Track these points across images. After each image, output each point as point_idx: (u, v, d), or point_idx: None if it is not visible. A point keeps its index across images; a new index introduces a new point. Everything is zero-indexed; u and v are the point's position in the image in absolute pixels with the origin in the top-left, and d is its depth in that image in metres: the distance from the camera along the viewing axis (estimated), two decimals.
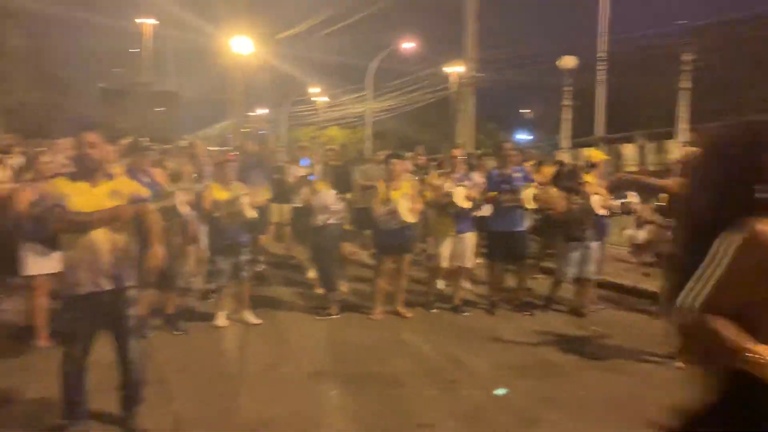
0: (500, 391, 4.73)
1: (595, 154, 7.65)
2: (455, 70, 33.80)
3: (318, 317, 6.73)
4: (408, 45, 35.28)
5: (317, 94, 53.58)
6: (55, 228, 3.84)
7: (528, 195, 6.82)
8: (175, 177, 6.80)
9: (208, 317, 6.59)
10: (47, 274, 5.53)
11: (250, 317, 6.51)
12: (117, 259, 3.80)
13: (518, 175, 7.13)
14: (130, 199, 3.90)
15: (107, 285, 3.76)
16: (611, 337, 6.38)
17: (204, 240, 7.21)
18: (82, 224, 3.70)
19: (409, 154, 14.33)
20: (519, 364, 5.52)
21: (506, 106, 51.94)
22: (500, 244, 7.10)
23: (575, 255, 7.00)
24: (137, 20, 41.16)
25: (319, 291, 7.65)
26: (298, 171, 9.84)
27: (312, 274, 8.77)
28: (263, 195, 7.38)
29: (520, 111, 61.25)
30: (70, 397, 3.86)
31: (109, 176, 3.95)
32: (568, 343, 6.10)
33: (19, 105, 44.43)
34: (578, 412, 4.50)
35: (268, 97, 60.35)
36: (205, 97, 44.97)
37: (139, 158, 6.09)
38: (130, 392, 4.01)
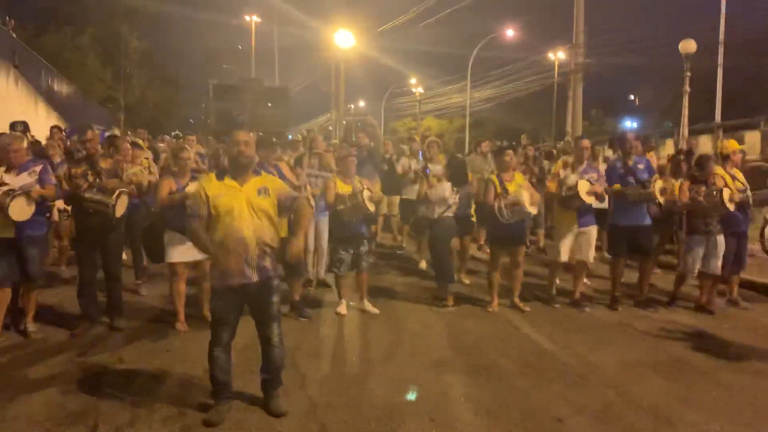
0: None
1: (731, 144, 7.18)
2: (560, 56, 32.84)
3: (435, 308, 6.79)
4: (509, 32, 34.42)
5: (415, 85, 53.60)
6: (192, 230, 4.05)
7: (656, 188, 6.53)
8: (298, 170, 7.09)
9: (329, 305, 6.83)
10: (187, 262, 5.93)
11: (369, 306, 6.67)
12: (263, 251, 4.01)
13: (641, 166, 6.84)
14: (279, 194, 4.10)
15: (254, 276, 3.98)
16: (745, 336, 6.02)
17: (323, 231, 7.49)
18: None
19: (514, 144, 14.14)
20: (649, 361, 5.32)
21: (612, 91, 49.72)
22: (625, 239, 6.86)
23: (700, 249, 6.67)
24: (245, 17, 42.92)
25: (433, 282, 7.72)
26: (405, 163, 9.96)
27: (424, 264, 8.88)
28: (377, 188, 7.52)
29: (628, 97, 58.35)
30: (218, 378, 4.11)
31: (257, 172, 4.17)
32: (699, 342, 5.82)
33: (137, 101, 47.67)
34: (720, 414, 4.28)
35: (367, 89, 61.14)
36: (307, 90, 46.29)
37: (266, 153, 6.35)
38: (272, 375, 4.22)
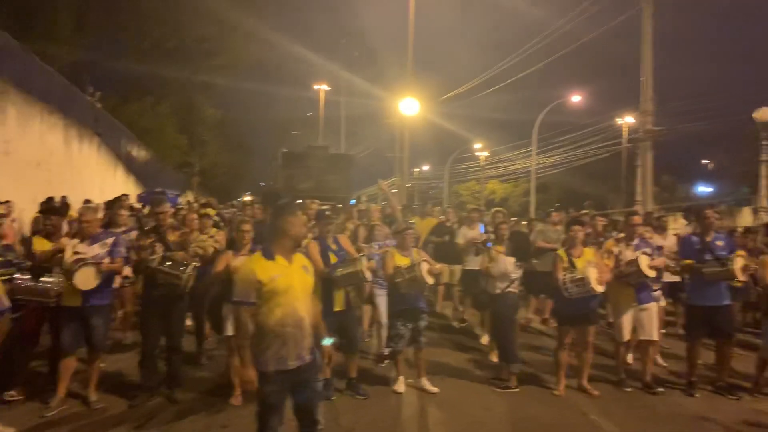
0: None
1: None
2: (627, 121, 32.37)
3: (496, 389, 6.49)
4: (575, 98, 34.29)
5: (480, 149, 53.84)
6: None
7: (737, 266, 6.13)
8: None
9: (385, 381, 6.65)
10: None
11: (428, 385, 6.44)
12: (313, 330, 3.95)
13: (720, 243, 6.47)
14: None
15: (308, 356, 3.90)
16: None
17: (381, 304, 7.38)
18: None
19: (582, 212, 13.78)
20: None
21: (684, 156, 48.32)
22: (702, 320, 6.44)
23: None
24: (315, 87, 44.68)
25: (495, 359, 7.44)
26: (468, 233, 9.81)
27: (485, 340, 8.58)
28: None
29: (701, 162, 56.53)
30: None
31: (299, 248, 4.17)
32: None
33: (210, 166, 49.86)
34: None
35: (431, 153, 61.86)
36: (372, 155, 47.23)
37: (325, 225, 6.38)
38: None
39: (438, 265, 6.84)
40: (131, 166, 26.66)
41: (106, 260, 5.67)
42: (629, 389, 6.55)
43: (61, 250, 5.53)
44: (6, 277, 4.74)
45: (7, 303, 3.68)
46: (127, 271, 7.28)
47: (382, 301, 7.24)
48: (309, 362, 3.92)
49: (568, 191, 47.20)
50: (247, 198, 34.53)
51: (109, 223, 8.51)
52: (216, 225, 8.86)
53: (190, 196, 34.96)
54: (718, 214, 7.02)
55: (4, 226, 5.42)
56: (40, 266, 5.16)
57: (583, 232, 6.85)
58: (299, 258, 4.08)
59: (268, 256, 3.91)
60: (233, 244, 6.15)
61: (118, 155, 24.44)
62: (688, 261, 6.52)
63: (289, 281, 3.87)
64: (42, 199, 12.42)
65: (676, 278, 7.79)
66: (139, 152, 29.99)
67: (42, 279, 4.94)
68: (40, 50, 17.78)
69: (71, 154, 18.46)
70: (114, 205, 10.31)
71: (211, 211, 9.82)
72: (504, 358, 6.67)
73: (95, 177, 21.10)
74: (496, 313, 6.78)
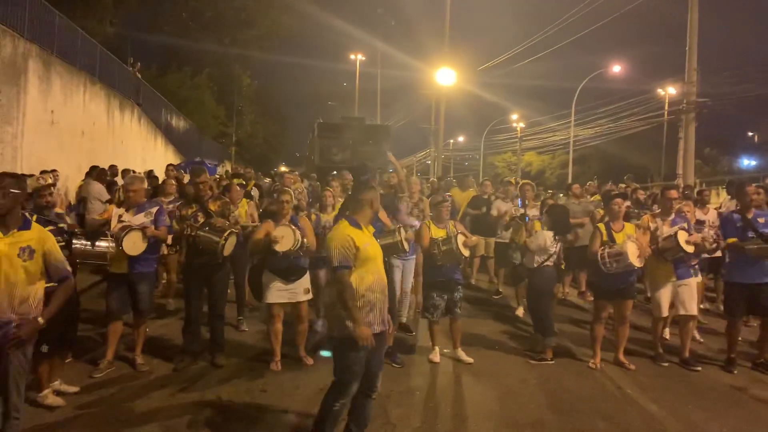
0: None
1: None
2: (670, 92, 31.48)
3: (532, 361, 6.52)
4: (616, 68, 33.41)
5: (516, 120, 53.12)
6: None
7: None
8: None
9: (421, 351, 6.74)
10: (283, 303, 6.08)
11: (463, 355, 6.51)
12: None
13: (762, 220, 6.32)
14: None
15: (386, 324, 4.11)
16: None
17: (408, 275, 7.44)
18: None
19: (621, 186, 13.55)
20: None
21: (728, 128, 46.89)
22: (743, 298, 6.35)
23: None
24: (351, 56, 44.50)
25: (530, 331, 7.47)
26: (502, 206, 9.76)
27: (520, 311, 8.61)
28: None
29: (746, 133, 54.80)
30: (330, 428, 4.11)
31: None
32: None
33: (247, 137, 50.36)
34: None
35: (467, 124, 61.30)
36: (407, 126, 47.02)
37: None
38: (363, 430, 4.21)
39: (473, 238, 6.85)
40: (170, 136, 27.12)
41: (151, 228, 5.85)
42: (666, 364, 6.52)
43: (109, 221, 5.73)
44: (63, 243, 4.93)
45: (68, 269, 3.86)
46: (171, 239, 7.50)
47: (397, 271, 7.21)
48: (385, 329, 4.13)
49: (608, 163, 46.34)
50: (283, 168, 34.88)
51: (155, 193, 8.76)
52: (247, 195, 9.01)
53: (228, 166, 35.44)
54: (761, 190, 6.85)
55: (54, 194, 5.60)
56: (94, 231, 5.35)
57: (625, 205, 6.77)
58: (371, 230, 4.25)
59: (355, 225, 4.06)
60: (272, 215, 6.27)
61: (158, 125, 24.87)
62: (731, 240, 6.40)
63: (375, 249, 4.08)
64: (86, 167, 12.78)
65: (717, 254, 7.65)
66: (178, 122, 30.44)
67: (97, 243, 5.14)
68: (83, 24, 18.08)
69: (113, 124, 18.87)
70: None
71: (236, 181, 9.95)
72: (540, 331, 6.68)
73: (137, 146, 21.55)
74: (532, 286, 6.78)
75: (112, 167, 13.71)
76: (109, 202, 10.18)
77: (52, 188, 5.51)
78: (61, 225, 5.25)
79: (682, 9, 18.10)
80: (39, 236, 3.73)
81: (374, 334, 3.97)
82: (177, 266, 8.51)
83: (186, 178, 11.70)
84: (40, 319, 3.64)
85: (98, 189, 11.11)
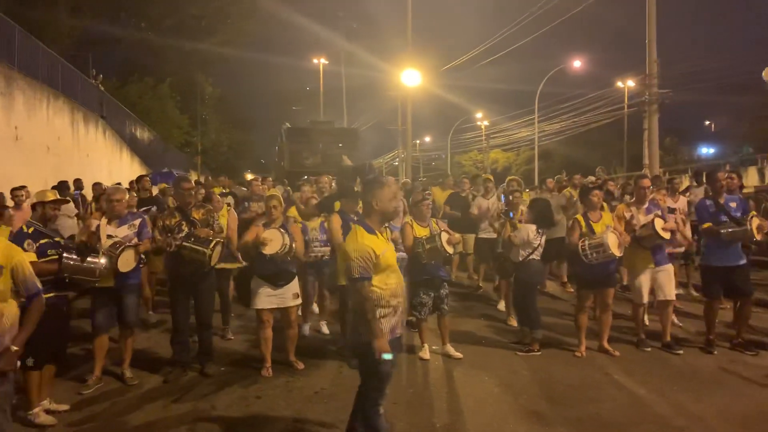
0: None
1: None
2: (630, 85, 32.16)
3: (520, 353, 6.63)
4: (576, 63, 34.06)
5: (481, 119, 53.64)
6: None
7: (753, 225, 6.23)
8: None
9: (410, 349, 6.79)
10: (273, 309, 6.07)
11: (452, 351, 6.59)
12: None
13: (734, 204, 6.55)
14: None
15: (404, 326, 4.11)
16: None
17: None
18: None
19: (591, 178, 13.82)
20: (754, 412, 5.01)
21: (686, 118, 48.13)
22: (719, 280, 6.56)
23: None
24: (314, 60, 44.36)
25: (513, 323, 7.60)
26: (482, 203, 9.90)
27: (501, 306, 8.73)
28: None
29: (703, 123, 56.30)
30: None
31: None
32: None
33: (212, 144, 49.80)
34: None
35: (433, 125, 61.67)
36: (374, 128, 47.12)
37: (350, 203, 6.48)
38: None
39: (456, 235, 6.94)
40: (136, 148, 26.71)
41: (134, 240, 5.79)
42: (648, 349, 6.69)
43: (94, 232, 5.66)
44: (55, 257, 4.85)
45: (39, 285, 3.71)
46: None
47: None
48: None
49: (571, 158, 47.12)
50: (249, 176, 34.57)
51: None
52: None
53: (194, 176, 35.00)
54: (732, 177, 7.09)
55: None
56: (86, 246, 5.27)
57: (601, 196, 6.93)
58: (386, 232, 4.24)
59: (370, 231, 3.89)
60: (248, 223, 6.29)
61: (122, 137, 24.47)
62: (706, 225, 6.61)
63: (392, 253, 4.00)
64: (52, 183, 12.50)
65: (680, 249, 7.92)
66: (142, 134, 30.00)
67: (89, 259, 5.05)
68: (40, 36, 17.72)
69: (78, 138, 18.52)
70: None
71: (216, 189, 9.87)
72: (527, 325, 6.80)
73: (102, 160, 21.17)
74: (518, 280, 6.89)
75: (77, 181, 13.43)
76: (77, 216, 10.02)
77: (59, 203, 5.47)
78: (58, 239, 5.17)
79: (641, 6, 18.54)
80: (5, 252, 3.56)
81: (397, 338, 4.00)
82: (149, 277, 8.43)
83: (155, 190, 11.57)
84: (14, 348, 3.47)
85: (65, 205, 10.84)
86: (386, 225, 6.22)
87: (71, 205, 10.89)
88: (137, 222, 5.91)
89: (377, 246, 3.81)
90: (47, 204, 5.26)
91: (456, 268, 11.21)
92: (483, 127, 53.53)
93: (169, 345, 6.25)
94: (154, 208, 8.57)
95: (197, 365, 6.18)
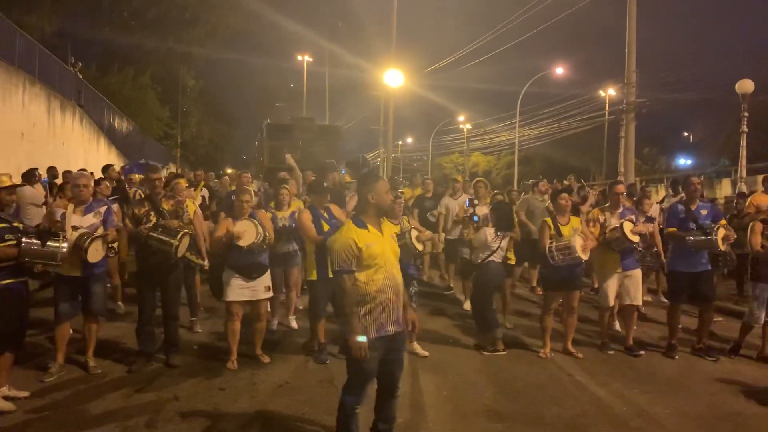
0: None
1: None
2: (611, 93, 32.55)
3: (485, 353, 6.70)
4: (559, 70, 34.38)
5: (463, 122, 53.88)
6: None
7: (719, 236, 6.33)
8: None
9: None
10: (243, 302, 6.06)
11: (418, 349, 6.63)
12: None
13: (705, 212, 6.67)
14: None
15: (400, 326, 3.97)
16: None
17: None
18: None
19: (564, 182, 13.97)
20: (708, 414, 5.13)
21: (665, 128, 48.76)
22: (684, 286, 6.68)
23: (766, 297, 6.44)
24: (298, 57, 44.22)
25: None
26: (450, 203, 9.95)
27: (467, 305, 8.79)
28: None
29: (682, 134, 57.02)
30: (355, 428, 4.01)
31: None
32: (763, 395, 5.56)
33: (192, 138, 49.42)
34: None
35: (415, 125, 61.80)
36: (356, 127, 47.12)
37: (319, 198, 6.49)
38: (390, 427, 4.21)
39: (427, 232, 6.98)
40: (113, 138, 26.42)
41: (100, 230, 5.74)
42: (611, 352, 6.80)
43: (58, 221, 5.59)
44: (14, 242, 4.79)
45: None
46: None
47: None
48: (402, 330, 4.00)
49: (551, 163, 47.48)
50: (229, 170, 34.38)
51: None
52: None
53: (173, 168, 34.72)
54: (699, 181, 7.22)
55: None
56: (47, 231, 5.19)
57: (570, 200, 7.03)
58: (388, 226, 4.17)
59: (360, 225, 3.87)
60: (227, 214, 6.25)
61: (100, 127, 24.18)
62: (671, 229, 6.73)
63: (383, 248, 3.89)
64: (26, 170, 12.28)
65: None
66: (121, 124, 29.66)
67: (49, 243, 4.98)
68: (19, 21, 17.46)
69: (54, 125, 18.27)
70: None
71: (182, 182, 9.79)
72: (481, 326, 6.86)
73: (79, 149, 20.91)
74: (476, 282, 6.96)
75: (51, 169, 13.24)
76: (45, 204, 9.87)
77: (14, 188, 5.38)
78: (16, 224, 5.10)
79: (624, 13, 18.78)
80: None
81: (389, 335, 3.88)
82: (119, 268, 8.36)
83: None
84: None
85: (31, 193, 10.54)
86: (411, 228, 6.29)
87: (40, 192, 10.73)
88: (103, 209, 5.86)
89: (362, 238, 3.79)
90: (2, 190, 5.12)
91: (428, 267, 11.27)
92: (465, 130, 53.75)
93: (135, 336, 6.22)
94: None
95: (162, 356, 6.16)
